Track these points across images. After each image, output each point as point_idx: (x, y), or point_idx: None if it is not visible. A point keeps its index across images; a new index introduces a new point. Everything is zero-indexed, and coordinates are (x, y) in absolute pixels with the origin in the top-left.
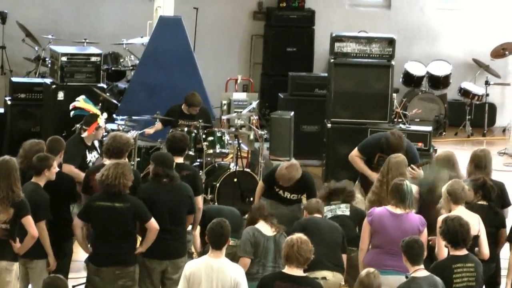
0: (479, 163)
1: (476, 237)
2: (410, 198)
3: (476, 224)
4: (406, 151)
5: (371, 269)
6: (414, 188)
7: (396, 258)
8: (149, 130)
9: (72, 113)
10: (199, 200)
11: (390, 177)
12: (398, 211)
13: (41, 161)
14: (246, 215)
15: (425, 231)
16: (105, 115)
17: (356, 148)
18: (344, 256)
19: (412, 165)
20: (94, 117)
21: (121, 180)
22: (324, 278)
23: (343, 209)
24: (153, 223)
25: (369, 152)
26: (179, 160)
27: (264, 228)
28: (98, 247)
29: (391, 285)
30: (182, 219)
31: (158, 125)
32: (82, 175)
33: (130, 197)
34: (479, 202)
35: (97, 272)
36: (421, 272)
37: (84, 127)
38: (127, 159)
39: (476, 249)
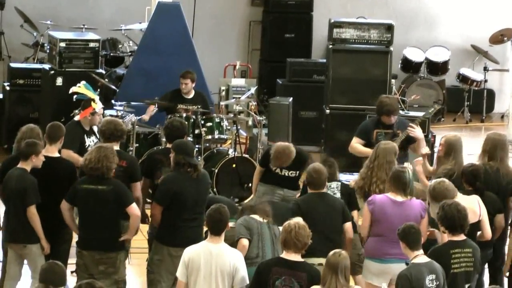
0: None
1: (478, 222)
2: (411, 185)
3: (477, 208)
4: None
5: (338, 250)
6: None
7: (399, 246)
8: (146, 117)
9: (75, 96)
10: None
11: (376, 163)
12: (400, 198)
13: (29, 147)
14: (245, 201)
15: (427, 216)
16: (98, 97)
17: (354, 136)
18: (348, 225)
19: (411, 124)
20: (90, 102)
21: (104, 163)
22: (320, 264)
23: (334, 190)
24: (133, 208)
25: (366, 133)
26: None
27: (256, 217)
28: (82, 230)
29: (394, 273)
30: (204, 206)
31: (150, 108)
32: (80, 159)
33: (114, 181)
34: (469, 189)
35: (80, 255)
36: (421, 257)
37: (81, 111)
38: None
39: (479, 233)
